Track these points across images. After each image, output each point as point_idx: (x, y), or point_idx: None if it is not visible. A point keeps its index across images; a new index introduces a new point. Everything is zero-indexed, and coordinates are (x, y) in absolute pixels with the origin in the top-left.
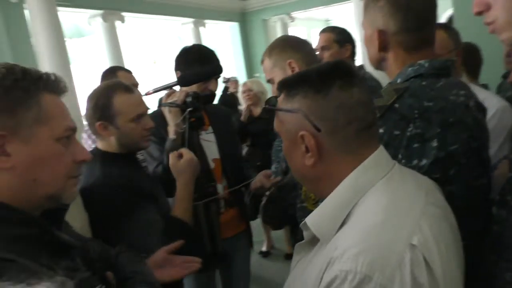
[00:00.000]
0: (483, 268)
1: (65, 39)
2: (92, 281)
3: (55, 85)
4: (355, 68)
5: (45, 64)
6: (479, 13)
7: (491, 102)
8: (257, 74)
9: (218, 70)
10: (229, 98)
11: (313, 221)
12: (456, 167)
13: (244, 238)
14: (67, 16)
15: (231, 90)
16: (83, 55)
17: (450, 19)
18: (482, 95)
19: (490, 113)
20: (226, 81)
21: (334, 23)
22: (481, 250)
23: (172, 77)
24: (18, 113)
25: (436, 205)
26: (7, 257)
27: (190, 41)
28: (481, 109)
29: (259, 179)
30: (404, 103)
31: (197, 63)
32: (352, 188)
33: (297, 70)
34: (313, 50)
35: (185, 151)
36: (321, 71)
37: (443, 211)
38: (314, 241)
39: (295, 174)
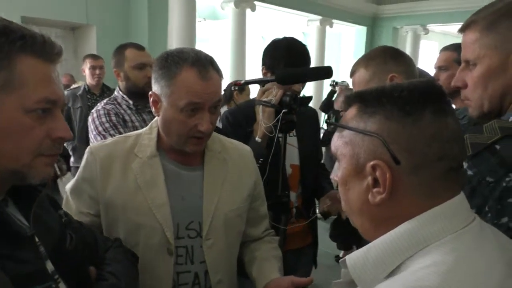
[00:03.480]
0: None
1: (200, 19)
2: (36, 278)
3: (41, 49)
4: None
5: (173, 40)
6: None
7: None
8: None
9: (331, 73)
10: (333, 103)
11: (355, 263)
12: None
13: (308, 253)
14: None
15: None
16: (214, 37)
17: None
18: None
19: None
20: (334, 84)
21: None
22: None
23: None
24: None
25: None
26: None
27: (314, 39)
28: None
29: (326, 205)
30: (509, 146)
31: (284, 59)
32: (412, 236)
33: None
34: (415, 66)
35: None
36: (411, 89)
37: None
38: (353, 284)
39: (346, 206)
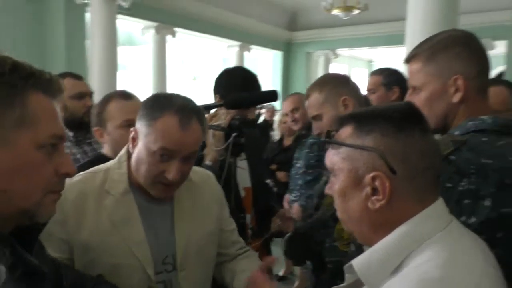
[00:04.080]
0: None
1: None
2: None
3: (48, 85)
4: None
5: (95, 68)
6: None
7: None
8: None
9: (276, 96)
10: (262, 125)
11: (361, 265)
12: (506, 230)
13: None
14: (122, 23)
15: (266, 117)
16: (131, 63)
17: (500, 75)
18: None
19: None
20: (260, 107)
21: (377, 64)
22: None
23: (210, 96)
24: None
25: (493, 266)
26: None
27: (233, 63)
28: None
29: (277, 224)
30: (461, 156)
31: (239, 88)
32: (409, 236)
33: (350, 107)
34: (361, 90)
35: None
36: (402, 110)
37: (499, 273)
38: (357, 284)
39: (344, 215)
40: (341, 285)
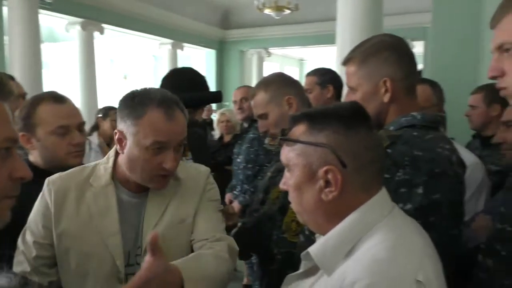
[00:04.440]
0: None
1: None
2: None
3: None
4: None
5: (16, 66)
6: (494, 78)
7: (466, 158)
8: (226, 103)
9: (219, 98)
10: (202, 124)
11: (317, 251)
12: (436, 215)
13: None
14: (43, 19)
15: (203, 116)
16: (54, 60)
17: (419, 73)
18: (460, 151)
19: None
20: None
21: (308, 63)
22: None
23: None
24: None
25: (431, 247)
26: None
27: (165, 62)
28: (462, 165)
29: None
30: (396, 149)
31: (186, 89)
32: (359, 223)
33: (294, 106)
34: (304, 90)
35: None
36: (350, 110)
37: (435, 254)
38: (312, 271)
39: (299, 207)
40: (297, 272)
